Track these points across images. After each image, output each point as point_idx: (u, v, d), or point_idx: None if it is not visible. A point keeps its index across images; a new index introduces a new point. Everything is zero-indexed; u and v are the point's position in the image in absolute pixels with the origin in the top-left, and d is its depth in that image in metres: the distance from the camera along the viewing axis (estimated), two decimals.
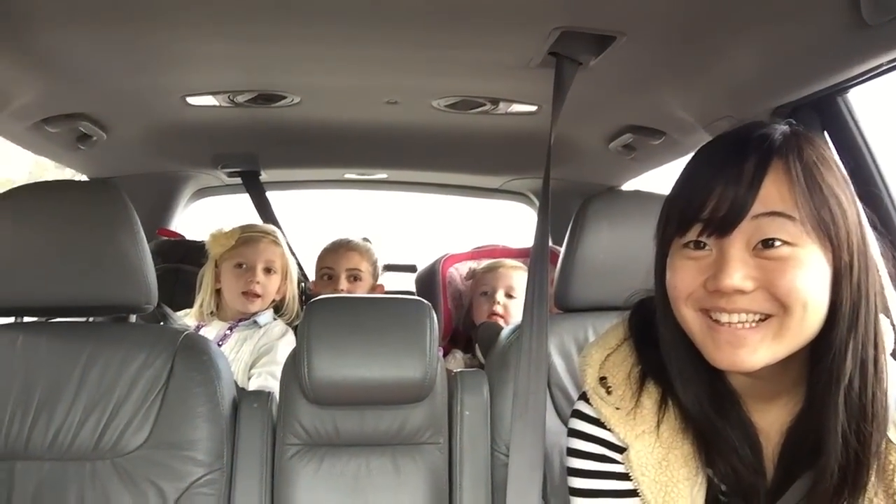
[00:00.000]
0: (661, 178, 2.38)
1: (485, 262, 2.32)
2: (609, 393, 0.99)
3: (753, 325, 0.86)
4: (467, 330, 2.27)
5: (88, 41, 1.49)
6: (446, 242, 3.10)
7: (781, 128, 0.90)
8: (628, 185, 2.57)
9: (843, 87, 1.38)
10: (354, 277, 2.32)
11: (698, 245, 0.89)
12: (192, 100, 1.92)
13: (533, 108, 1.96)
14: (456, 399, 1.54)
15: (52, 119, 1.88)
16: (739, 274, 0.84)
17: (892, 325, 0.95)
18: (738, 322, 0.86)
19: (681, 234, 0.90)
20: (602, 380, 1.00)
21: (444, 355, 2.17)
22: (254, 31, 1.46)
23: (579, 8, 1.32)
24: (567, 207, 1.86)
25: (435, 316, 1.53)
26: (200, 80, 1.81)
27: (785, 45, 1.33)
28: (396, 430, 1.52)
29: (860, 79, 1.32)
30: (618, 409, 0.98)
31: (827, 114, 1.46)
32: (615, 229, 1.51)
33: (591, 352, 1.04)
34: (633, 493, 0.97)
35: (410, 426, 1.53)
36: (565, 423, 1.48)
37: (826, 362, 0.87)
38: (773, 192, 0.85)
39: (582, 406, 1.03)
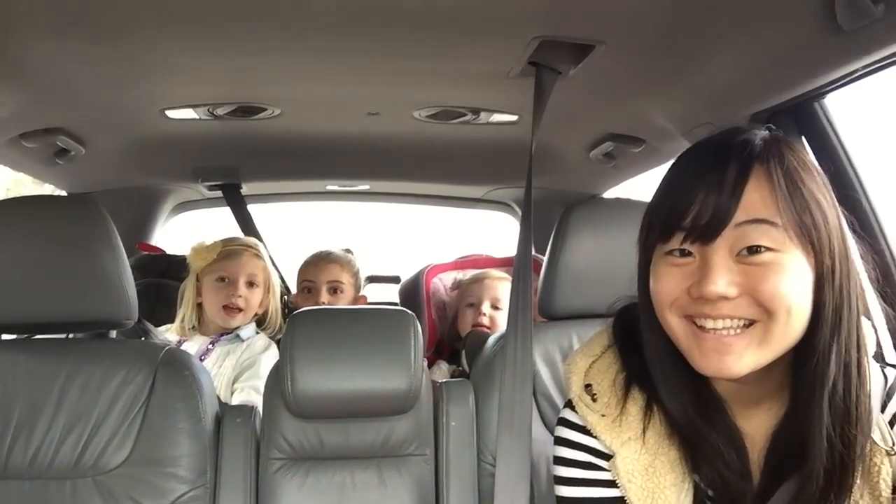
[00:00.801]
0: (641, 186, 2.39)
1: (469, 273, 2.32)
2: (594, 400, 0.99)
3: (738, 331, 0.86)
4: (452, 341, 2.26)
5: (66, 54, 1.47)
6: (430, 253, 3.10)
7: (761, 133, 0.91)
8: (609, 193, 2.58)
9: (820, 93, 1.39)
10: (335, 290, 2.31)
11: (682, 252, 0.89)
12: (171, 113, 1.91)
13: (514, 118, 1.97)
14: (441, 410, 1.53)
15: (30, 134, 1.86)
16: (723, 280, 0.84)
17: (873, 327, 0.96)
18: (723, 328, 0.86)
19: (664, 241, 0.90)
20: (587, 387, 1.00)
21: (429, 366, 2.16)
22: (233, 44, 1.45)
23: (558, 17, 1.32)
24: (549, 216, 1.87)
25: (419, 326, 1.53)
26: (179, 93, 1.80)
27: (762, 51, 1.34)
28: (382, 443, 1.51)
29: (836, 84, 1.33)
30: (603, 416, 0.98)
31: (804, 119, 1.47)
32: (597, 237, 1.52)
33: (576, 359, 1.04)
34: (620, 501, 0.96)
35: (396, 438, 1.52)
36: (551, 431, 1.47)
37: (810, 366, 0.87)
38: (755, 198, 0.85)
39: (568, 414, 1.03)
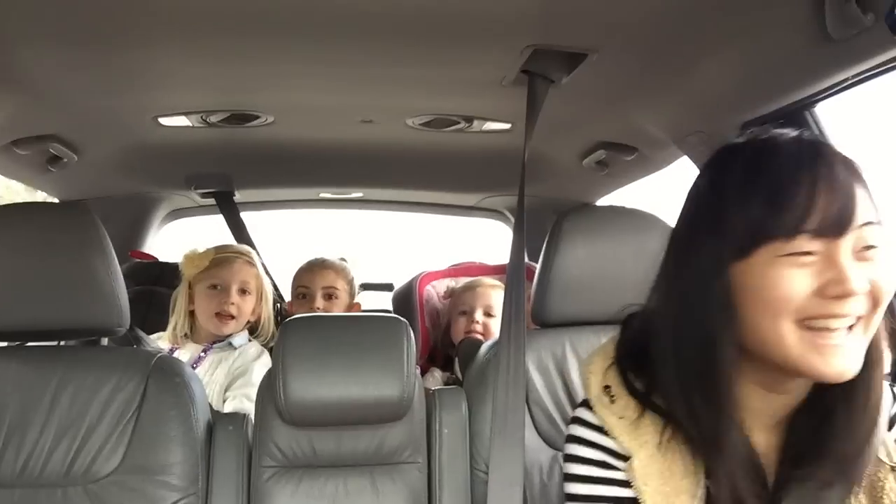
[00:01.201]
0: (633, 194, 2.40)
1: (462, 281, 2.32)
2: (613, 402, 0.98)
3: (848, 330, 0.87)
4: (445, 349, 2.26)
5: (59, 62, 1.47)
6: (423, 260, 3.10)
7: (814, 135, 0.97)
8: (602, 202, 2.59)
9: (811, 101, 1.40)
10: (330, 296, 2.31)
11: (807, 252, 0.87)
12: (164, 120, 1.91)
13: (507, 126, 1.97)
14: (434, 417, 1.53)
15: (22, 141, 1.86)
16: (857, 277, 0.85)
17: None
18: (844, 328, 0.86)
19: (784, 242, 0.87)
20: (606, 388, 0.99)
21: (422, 374, 2.16)
22: (226, 51, 1.45)
23: (551, 26, 1.33)
24: (542, 224, 1.87)
25: (412, 334, 1.52)
26: (172, 101, 1.80)
27: (753, 60, 1.35)
28: (374, 450, 1.51)
29: (827, 93, 1.34)
30: (621, 418, 0.97)
31: (795, 127, 1.48)
32: (590, 244, 1.52)
33: (595, 360, 1.03)
34: (633, 501, 0.95)
35: (389, 446, 1.51)
36: (544, 438, 1.49)
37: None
38: (862, 199, 0.87)
39: (583, 413, 1.02)
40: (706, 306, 0.90)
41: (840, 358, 0.86)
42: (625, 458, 0.96)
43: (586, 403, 1.02)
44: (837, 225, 0.85)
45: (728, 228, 0.89)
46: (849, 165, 0.89)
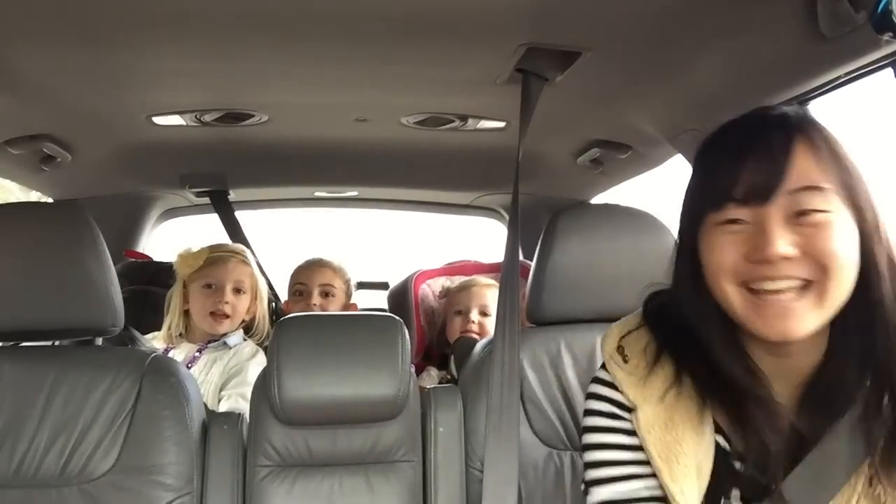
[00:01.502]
0: (629, 192, 2.41)
1: (457, 280, 2.32)
2: (626, 361, 1.06)
3: (796, 293, 0.90)
4: (441, 348, 2.26)
5: (52, 61, 1.47)
6: (418, 259, 3.10)
7: (792, 108, 0.98)
8: (597, 200, 2.59)
9: (804, 99, 1.40)
10: (327, 293, 2.32)
11: (735, 221, 0.92)
12: (158, 119, 1.90)
13: (501, 125, 1.98)
14: (429, 416, 1.53)
15: (15, 141, 1.85)
16: (783, 241, 0.89)
17: None
18: (784, 290, 0.90)
19: (715, 211, 0.94)
20: (619, 348, 1.07)
21: (418, 372, 2.16)
22: (220, 50, 1.45)
23: (544, 24, 1.33)
24: (537, 222, 1.87)
25: (406, 332, 1.53)
26: (166, 100, 1.79)
27: (746, 58, 1.35)
28: (369, 449, 1.51)
29: (820, 91, 1.34)
30: (631, 375, 1.04)
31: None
32: (585, 242, 1.52)
33: (612, 329, 1.11)
34: (638, 448, 1.02)
35: (384, 444, 1.51)
36: (539, 437, 1.49)
37: (868, 320, 0.92)
38: (803, 166, 0.91)
39: (600, 373, 1.10)
40: (683, 275, 1.00)
41: (782, 319, 0.90)
42: (631, 410, 1.04)
43: (603, 365, 1.10)
44: (763, 192, 0.90)
45: (691, 198, 1.00)
46: (796, 132, 0.92)
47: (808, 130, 0.92)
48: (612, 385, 1.07)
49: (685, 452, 0.98)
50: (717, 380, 0.98)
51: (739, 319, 0.94)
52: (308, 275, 2.34)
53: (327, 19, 1.31)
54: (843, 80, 1.28)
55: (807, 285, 0.90)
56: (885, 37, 1.01)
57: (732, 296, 0.93)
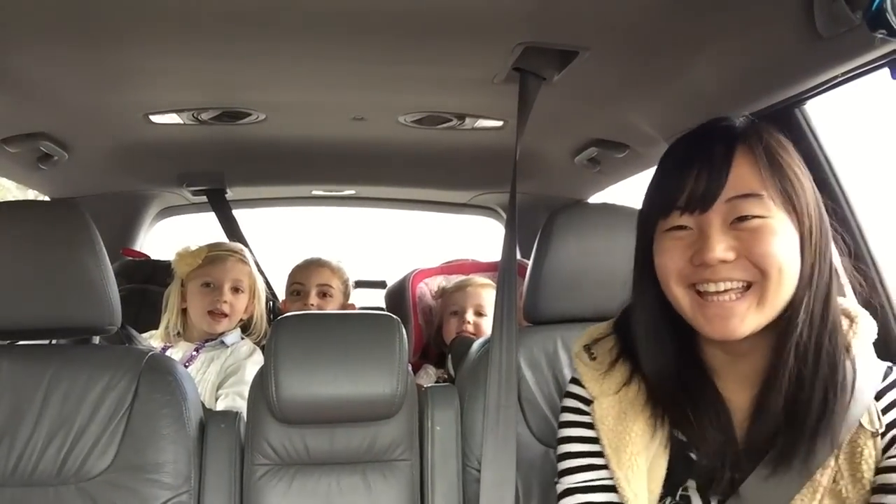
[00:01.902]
0: (626, 192, 2.41)
1: (454, 278, 2.32)
2: (592, 359, 1.15)
3: (738, 294, 0.96)
4: (438, 348, 2.27)
5: (49, 59, 1.47)
6: (416, 258, 3.10)
7: (742, 119, 1.03)
8: (594, 199, 2.59)
9: (801, 99, 1.41)
10: (324, 294, 2.32)
11: (681, 227, 0.99)
12: (155, 118, 1.90)
13: (499, 124, 1.98)
14: (427, 415, 1.53)
15: (12, 139, 1.85)
16: (721, 245, 0.95)
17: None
18: (725, 291, 0.96)
19: (663, 219, 1.00)
20: (586, 347, 1.17)
21: (415, 371, 2.16)
22: (217, 48, 1.45)
23: (542, 24, 1.33)
24: (534, 221, 1.88)
25: (404, 331, 1.53)
26: (164, 98, 1.79)
27: (743, 58, 1.36)
28: (367, 448, 1.51)
29: (817, 90, 1.35)
30: (595, 370, 1.14)
31: (785, 125, 1.48)
32: (582, 241, 1.52)
33: (587, 330, 1.21)
34: (594, 440, 1.12)
35: (381, 443, 1.51)
36: (536, 436, 1.49)
37: (785, 315, 0.96)
38: (741, 174, 0.96)
39: (573, 371, 1.20)
40: (639, 279, 1.08)
41: (724, 319, 0.96)
42: (590, 402, 1.13)
43: None
44: (703, 200, 0.97)
45: (645, 206, 1.06)
46: (738, 143, 0.97)
47: (749, 141, 0.98)
48: (577, 382, 1.17)
49: (633, 442, 1.06)
50: (667, 381, 1.05)
51: (688, 319, 1.00)
52: (306, 275, 2.34)
53: (325, 18, 1.31)
54: (839, 79, 1.28)
55: (748, 287, 0.96)
56: (879, 34, 1.01)
57: (681, 297, 1.00)
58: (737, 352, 1.02)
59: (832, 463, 0.97)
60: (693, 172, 0.97)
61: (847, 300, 1.07)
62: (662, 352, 1.05)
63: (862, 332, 1.02)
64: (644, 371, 1.08)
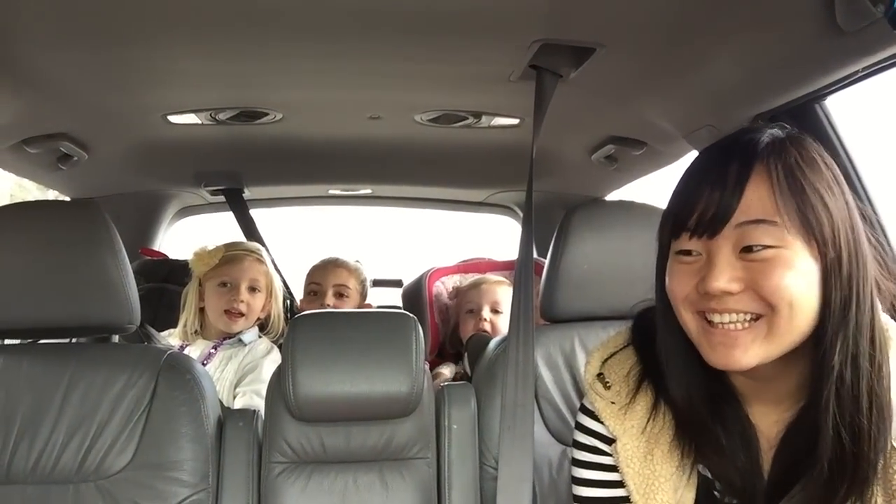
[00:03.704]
0: (644, 189, 2.39)
1: (470, 278, 2.32)
2: (607, 388, 1.05)
3: (745, 325, 0.89)
4: (454, 347, 2.26)
5: (69, 60, 1.48)
6: (432, 256, 3.10)
7: (771, 131, 0.93)
8: (611, 196, 2.58)
9: (821, 95, 1.39)
10: (341, 294, 2.33)
11: (689, 251, 0.92)
12: (173, 118, 1.91)
13: (515, 121, 1.97)
14: (443, 413, 1.53)
15: (33, 140, 1.87)
16: (725, 276, 0.88)
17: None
18: (730, 322, 0.89)
19: (675, 240, 0.94)
20: (600, 375, 1.06)
21: (432, 369, 2.16)
22: (235, 49, 1.46)
23: (558, 21, 1.32)
24: (551, 219, 1.87)
25: (420, 329, 1.53)
26: (182, 98, 1.80)
27: (762, 53, 1.34)
28: (384, 446, 1.51)
29: (837, 86, 1.33)
30: (613, 403, 1.03)
31: (805, 121, 1.47)
32: (599, 239, 1.52)
33: (595, 352, 1.10)
34: (619, 484, 1.02)
35: (398, 441, 1.52)
36: (553, 434, 1.49)
37: (818, 357, 0.89)
38: (755, 198, 0.88)
39: (585, 400, 1.10)
40: (658, 297, 1.00)
41: (727, 348, 0.89)
42: (612, 442, 1.03)
43: None
44: (711, 225, 0.89)
45: (662, 223, 0.98)
46: (756, 161, 0.89)
47: (769, 160, 0.89)
48: (594, 415, 1.06)
49: (663, 489, 0.98)
50: (697, 405, 0.97)
51: (696, 345, 0.94)
52: (323, 275, 2.35)
53: (341, 17, 1.31)
54: (861, 74, 1.26)
55: (756, 318, 0.88)
56: None
57: (689, 322, 0.93)
58: (762, 377, 0.94)
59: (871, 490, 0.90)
60: (705, 193, 0.90)
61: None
62: (691, 374, 0.97)
63: (894, 345, 0.93)
64: (671, 394, 0.99)
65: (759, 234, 0.87)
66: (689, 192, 0.93)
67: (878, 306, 0.91)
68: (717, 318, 0.90)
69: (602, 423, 1.04)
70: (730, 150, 0.92)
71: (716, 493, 0.99)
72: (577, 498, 1.08)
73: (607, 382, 1.05)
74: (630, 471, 1.00)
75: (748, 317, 0.88)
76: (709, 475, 0.99)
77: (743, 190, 0.88)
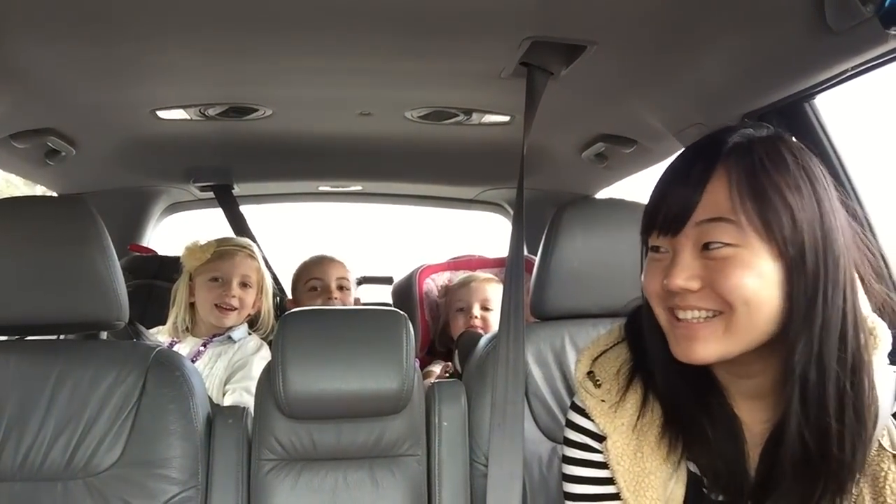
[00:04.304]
0: (634, 187, 2.40)
1: (460, 275, 2.32)
2: (598, 386, 1.06)
3: (704, 321, 0.90)
4: (444, 345, 2.26)
5: (56, 55, 1.47)
6: (422, 254, 3.10)
7: (745, 131, 0.94)
8: (601, 194, 2.59)
9: (810, 93, 1.39)
10: (342, 287, 2.33)
11: (658, 248, 0.95)
12: (162, 113, 1.90)
13: (506, 119, 1.97)
14: (434, 410, 1.53)
15: (20, 135, 1.85)
16: (685, 274, 0.90)
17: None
18: (692, 318, 0.91)
19: (648, 237, 0.97)
20: (590, 373, 1.07)
21: (422, 366, 2.16)
22: (224, 44, 1.45)
23: (549, 18, 1.32)
24: (542, 217, 1.87)
25: (411, 327, 1.53)
26: (170, 94, 1.79)
27: (752, 52, 1.35)
28: (374, 443, 1.51)
29: (826, 84, 1.34)
30: (603, 401, 1.04)
31: (794, 119, 1.48)
32: (589, 237, 1.52)
33: (586, 349, 1.11)
34: (610, 481, 1.03)
35: (388, 438, 1.52)
36: (543, 431, 1.49)
37: (782, 356, 0.90)
38: (715, 197, 0.89)
39: (576, 398, 1.10)
40: (642, 294, 1.01)
41: (688, 342, 0.92)
42: (602, 439, 1.04)
43: None
44: (674, 222, 0.91)
45: (642, 221, 0.99)
46: (719, 161, 0.90)
47: (730, 159, 0.90)
48: (584, 413, 1.07)
49: (653, 485, 0.99)
50: (683, 395, 0.98)
51: (667, 337, 0.96)
52: (323, 270, 2.35)
53: (331, 13, 1.30)
54: (850, 73, 1.27)
55: (716, 314, 0.90)
56: (893, 31, 1.00)
57: (660, 316, 0.96)
58: (740, 372, 0.96)
59: (852, 489, 0.91)
60: (671, 191, 0.93)
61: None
62: (676, 367, 0.97)
63: (882, 345, 0.94)
64: (659, 387, 1.01)
65: (717, 232, 0.88)
66: (659, 190, 0.95)
67: (858, 307, 0.91)
68: (681, 314, 0.92)
69: (592, 420, 1.05)
70: (698, 150, 0.95)
71: (704, 489, 0.99)
72: (567, 495, 1.09)
73: (597, 380, 1.06)
74: (620, 468, 1.01)
75: (709, 313, 0.90)
76: (698, 472, 1.00)
77: (703, 189, 0.90)
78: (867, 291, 0.95)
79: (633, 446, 1.01)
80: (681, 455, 1.00)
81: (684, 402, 0.98)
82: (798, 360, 0.88)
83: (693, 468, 1.00)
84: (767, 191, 0.88)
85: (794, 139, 0.95)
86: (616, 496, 1.03)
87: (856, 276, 0.92)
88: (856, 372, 0.89)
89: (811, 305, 0.88)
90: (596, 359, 1.09)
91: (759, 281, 0.87)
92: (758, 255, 0.87)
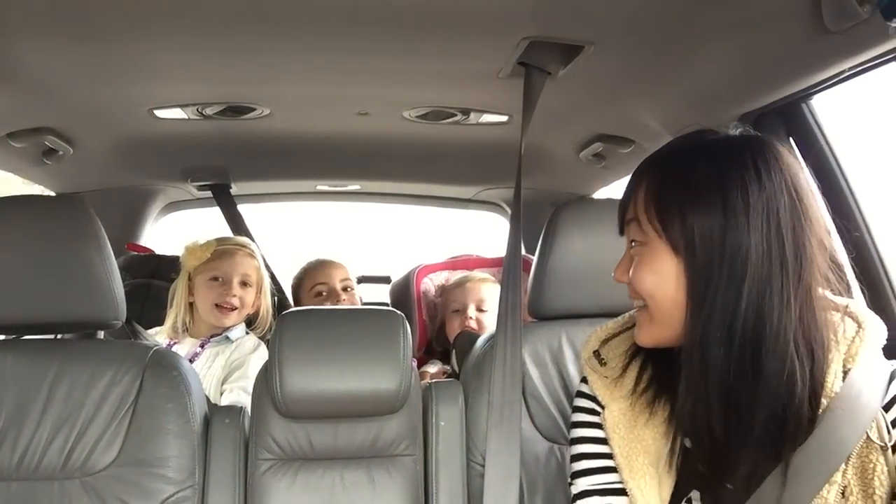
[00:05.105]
0: None
1: (458, 275, 2.32)
2: (603, 364, 1.15)
3: (640, 310, 1.03)
4: (441, 345, 2.26)
5: (54, 54, 1.47)
6: (420, 253, 3.10)
7: (684, 139, 1.07)
8: (599, 194, 2.59)
9: (807, 94, 1.40)
10: (346, 289, 2.34)
11: (631, 242, 1.06)
12: (159, 112, 1.90)
13: (504, 118, 1.97)
14: (431, 410, 1.53)
15: (17, 134, 1.85)
16: (620, 269, 1.05)
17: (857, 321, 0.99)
18: (636, 306, 1.04)
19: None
20: (596, 353, 1.17)
21: (419, 366, 2.16)
22: (222, 43, 1.45)
23: (547, 18, 1.32)
24: (539, 216, 1.87)
25: (408, 326, 1.52)
26: (168, 93, 1.79)
27: (750, 52, 1.35)
28: (371, 443, 1.51)
29: (823, 85, 1.34)
30: (605, 377, 1.13)
31: (792, 120, 1.48)
32: (586, 237, 1.52)
33: (595, 331, 1.21)
34: (604, 441, 1.12)
35: (385, 438, 1.51)
36: (541, 431, 1.49)
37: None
38: (635, 201, 1.01)
39: (583, 372, 1.20)
40: None
41: (636, 328, 1.05)
42: (603, 408, 1.13)
43: None
44: (619, 221, 1.06)
45: None
46: (649, 165, 1.02)
47: (652, 166, 1.02)
48: (587, 382, 1.17)
49: (645, 451, 1.06)
50: (666, 374, 1.06)
51: None
52: (328, 274, 2.36)
53: (329, 12, 1.30)
54: (846, 74, 1.27)
55: (645, 305, 1.01)
56: (894, 23, 1.00)
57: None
58: None
59: (839, 479, 0.93)
60: (633, 193, 1.03)
61: (854, 302, 1.02)
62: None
63: (870, 338, 0.97)
64: (651, 364, 1.09)
65: (632, 230, 1.02)
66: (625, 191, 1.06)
67: (774, 314, 0.92)
68: (635, 303, 1.04)
69: (595, 392, 1.14)
70: (658, 153, 1.06)
71: (700, 466, 1.02)
72: (575, 456, 1.15)
73: (603, 359, 1.15)
74: (616, 436, 1.09)
75: (641, 303, 1.02)
76: (689, 446, 1.04)
77: (632, 192, 1.02)
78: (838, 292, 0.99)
79: (629, 416, 1.09)
80: (675, 427, 1.05)
81: (671, 371, 1.03)
82: (685, 354, 0.97)
83: (688, 443, 1.04)
84: (667, 193, 0.97)
85: (758, 149, 0.97)
86: (612, 456, 1.10)
87: (782, 275, 0.93)
88: (752, 362, 0.93)
89: (699, 306, 0.95)
90: (607, 341, 1.17)
91: (655, 277, 0.98)
92: (658, 255, 0.98)
